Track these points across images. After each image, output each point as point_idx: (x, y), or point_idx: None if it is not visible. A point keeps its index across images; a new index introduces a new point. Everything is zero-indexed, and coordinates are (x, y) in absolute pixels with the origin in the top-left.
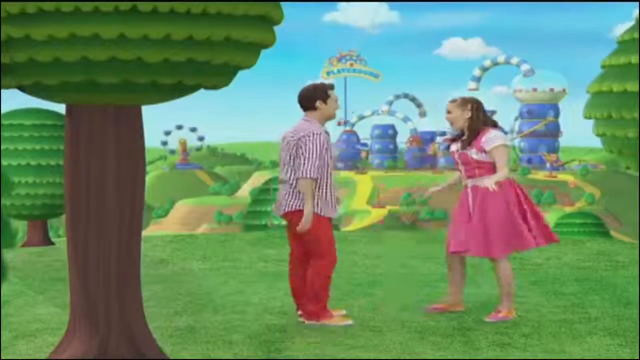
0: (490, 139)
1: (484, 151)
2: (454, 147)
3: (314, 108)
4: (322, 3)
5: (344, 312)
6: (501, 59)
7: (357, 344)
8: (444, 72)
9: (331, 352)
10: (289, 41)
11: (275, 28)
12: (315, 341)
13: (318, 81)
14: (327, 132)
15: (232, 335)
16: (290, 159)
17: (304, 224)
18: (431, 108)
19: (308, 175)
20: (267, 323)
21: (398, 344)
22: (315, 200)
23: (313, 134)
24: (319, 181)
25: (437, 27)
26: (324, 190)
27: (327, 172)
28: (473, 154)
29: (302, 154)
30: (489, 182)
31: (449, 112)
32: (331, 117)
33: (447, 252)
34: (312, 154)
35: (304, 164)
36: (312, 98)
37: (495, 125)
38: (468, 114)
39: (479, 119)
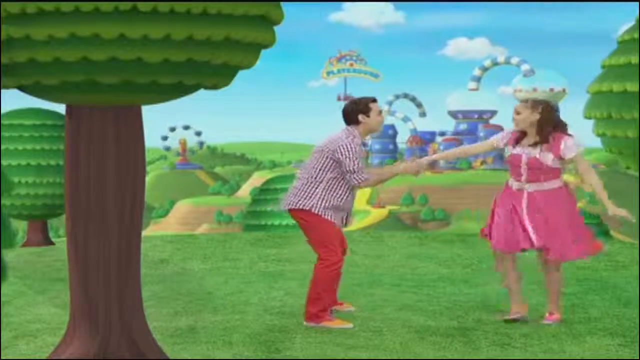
0: (570, 147)
1: (562, 158)
2: (518, 150)
3: (357, 122)
4: (328, 3)
5: (352, 308)
6: (501, 58)
7: (357, 344)
8: (447, 72)
9: (331, 352)
10: (293, 41)
11: (279, 28)
12: (315, 341)
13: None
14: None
15: (232, 335)
16: (313, 166)
17: (411, 172)
18: (431, 108)
19: (364, 184)
20: (267, 323)
21: (398, 344)
22: (328, 203)
23: (348, 138)
24: (342, 187)
25: (442, 27)
26: (343, 198)
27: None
28: (549, 160)
29: (343, 162)
30: (615, 210)
31: (517, 112)
32: (375, 129)
33: (501, 252)
34: (351, 160)
35: (352, 173)
36: (354, 112)
37: (565, 129)
38: (537, 116)
39: (549, 123)
